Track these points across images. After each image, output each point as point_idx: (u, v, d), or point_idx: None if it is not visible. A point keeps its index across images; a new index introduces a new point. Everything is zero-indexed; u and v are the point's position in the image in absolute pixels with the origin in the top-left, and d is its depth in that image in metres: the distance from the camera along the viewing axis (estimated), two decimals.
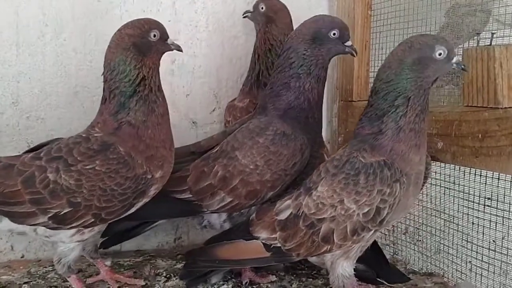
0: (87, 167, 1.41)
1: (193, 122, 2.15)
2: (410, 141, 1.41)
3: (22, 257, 1.95)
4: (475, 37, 1.73)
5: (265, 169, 1.59)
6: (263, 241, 1.49)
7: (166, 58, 2.04)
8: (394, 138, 1.41)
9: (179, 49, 1.59)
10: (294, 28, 1.78)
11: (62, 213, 1.41)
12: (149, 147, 1.46)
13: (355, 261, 1.50)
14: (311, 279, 1.77)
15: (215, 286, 1.67)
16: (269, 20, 1.99)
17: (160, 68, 2.06)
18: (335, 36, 1.63)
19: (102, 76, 1.50)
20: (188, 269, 1.65)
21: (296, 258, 1.50)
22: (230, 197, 1.61)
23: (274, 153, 1.60)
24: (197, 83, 2.14)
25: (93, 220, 1.43)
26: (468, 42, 1.82)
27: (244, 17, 2.07)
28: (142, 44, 1.47)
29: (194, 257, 1.63)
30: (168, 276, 1.76)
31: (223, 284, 1.68)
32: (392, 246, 2.07)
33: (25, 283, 1.69)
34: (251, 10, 2.05)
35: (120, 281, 1.70)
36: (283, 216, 1.48)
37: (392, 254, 2.05)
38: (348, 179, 1.40)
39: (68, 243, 1.50)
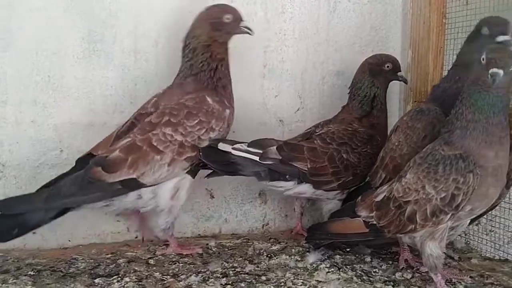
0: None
1: (280, 120, 2.38)
2: (477, 139, 1.58)
3: (136, 238, 2.19)
4: None
5: None
6: (363, 219, 1.77)
7: (259, 63, 2.32)
8: (462, 136, 1.61)
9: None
10: None
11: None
12: None
13: (441, 243, 1.68)
14: None
15: (313, 265, 1.88)
16: None
17: (253, 72, 2.33)
18: None
19: None
20: (308, 240, 2.00)
21: (388, 235, 1.74)
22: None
23: None
24: (285, 86, 2.37)
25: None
26: None
27: None
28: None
29: (312, 230, 1.98)
30: (269, 255, 1.98)
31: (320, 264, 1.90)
32: (464, 236, 2.24)
33: (149, 258, 1.92)
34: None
35: None
36: (379, 198, 1.75)
37: (465, 243, 2.22)
38: (430, 168, 1.64)
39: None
